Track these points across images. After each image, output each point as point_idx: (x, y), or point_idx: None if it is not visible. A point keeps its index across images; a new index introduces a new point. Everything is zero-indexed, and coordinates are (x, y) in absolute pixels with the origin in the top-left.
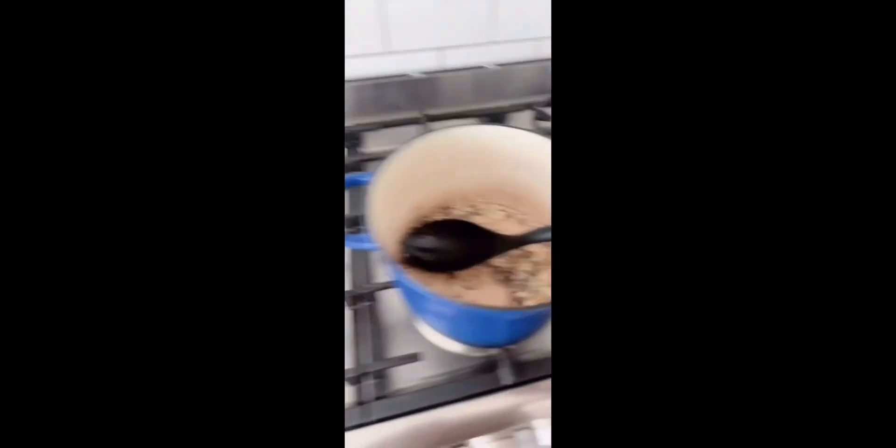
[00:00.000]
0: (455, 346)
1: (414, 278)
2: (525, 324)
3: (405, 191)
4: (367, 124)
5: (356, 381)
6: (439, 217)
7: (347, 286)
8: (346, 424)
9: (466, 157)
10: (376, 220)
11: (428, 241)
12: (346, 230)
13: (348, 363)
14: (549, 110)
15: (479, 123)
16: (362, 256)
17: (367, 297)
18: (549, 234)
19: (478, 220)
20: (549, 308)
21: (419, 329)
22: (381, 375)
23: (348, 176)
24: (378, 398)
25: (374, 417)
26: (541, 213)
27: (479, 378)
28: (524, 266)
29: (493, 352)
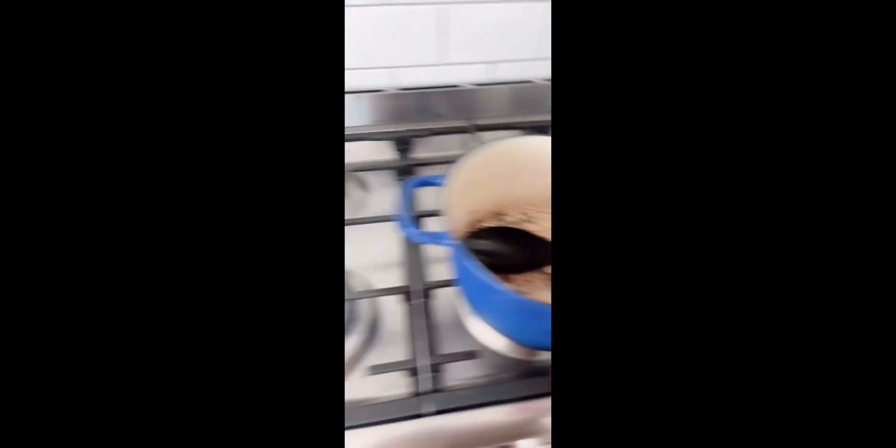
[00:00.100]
0: (507, 348)
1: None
2: None
3: (466, 195)
4: (417, 130)
5: (413, 373)
6: (493, 223)
7: (403, 282)
8: (401, 414)
9: (524, 165)
10: (450, 217)
11: (486, 245)
12: (416, 226)
13: (405, 355)
14: None
15: (524, 135)
16: (415, 255)
17: (423, 293)
18: None
19: (529, 227)
20: None
21: (470, 329)
22: (437, 369)
23: (420, 177)
24: (435, 391)
25: (431, 410)
26: None
27: (530, 381)
28: None
29: (545, 356)
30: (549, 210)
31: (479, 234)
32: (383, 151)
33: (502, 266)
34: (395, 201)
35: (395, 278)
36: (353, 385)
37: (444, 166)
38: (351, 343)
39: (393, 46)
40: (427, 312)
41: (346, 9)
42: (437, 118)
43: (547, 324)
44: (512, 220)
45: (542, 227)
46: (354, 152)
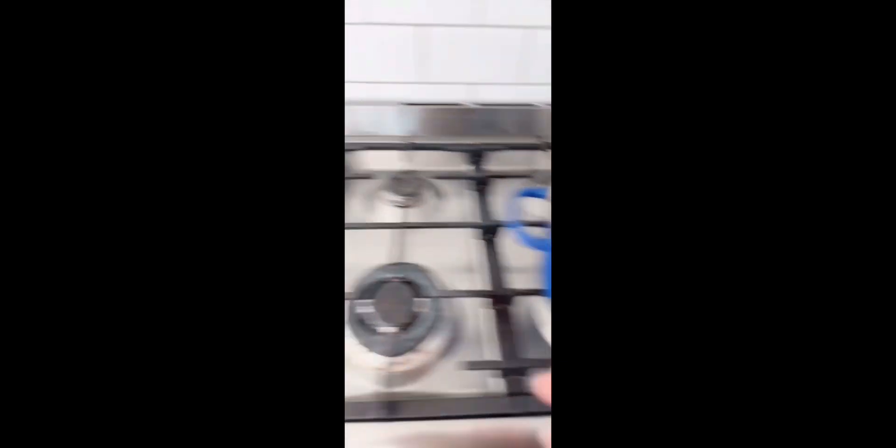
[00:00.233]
0: None
1: None
2: None
3: None
4: (490, 144)
5: (505, 374)
6: None
7: (485, 286)
8: (496, 411)
9: None
10: None
11: None
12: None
13: (490, 356)
14: None
15: None
16: (494, 261)
17: (507, 299)
18: None
19: None
20: None
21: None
22: (522, 373)
23: (526, 189)
24: (526, 393)
25: (523, 410)
26: None
27: None
28: None
29: None
30: None
31: None
32: (457, 163)
33: None
34: (506, 207)
35: (469, 282)
36: (439, 379)
37: (516, 180)
38: (438, 340)
39: (473, 64)
40: (511, 318)
41: (429, 28)
42: (501, 134)
43: None
44: None
45: None
46: (432, 161)
